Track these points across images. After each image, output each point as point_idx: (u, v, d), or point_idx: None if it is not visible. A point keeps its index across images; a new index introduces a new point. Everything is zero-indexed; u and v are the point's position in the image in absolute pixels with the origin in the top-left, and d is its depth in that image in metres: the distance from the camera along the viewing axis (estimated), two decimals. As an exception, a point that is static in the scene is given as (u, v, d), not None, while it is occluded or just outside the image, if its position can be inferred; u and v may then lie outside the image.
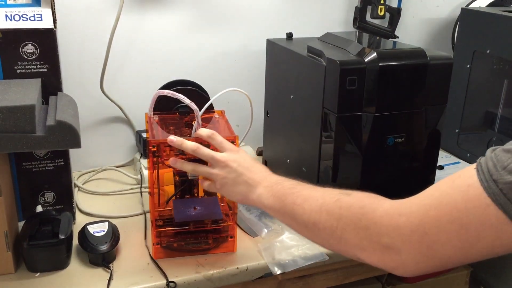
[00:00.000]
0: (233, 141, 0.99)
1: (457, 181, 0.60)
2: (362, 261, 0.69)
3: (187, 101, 0.97)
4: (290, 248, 1.07)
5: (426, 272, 0.64)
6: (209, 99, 1.05)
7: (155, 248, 1.01)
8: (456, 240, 0.59)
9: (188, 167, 0.94)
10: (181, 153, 0.97)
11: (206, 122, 1.07)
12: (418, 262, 0.63)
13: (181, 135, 1.05)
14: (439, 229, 0.59)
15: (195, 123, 1.00)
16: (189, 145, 0.92)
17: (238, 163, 0.90)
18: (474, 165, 0.60)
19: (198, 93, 1.14)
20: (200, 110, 0.99)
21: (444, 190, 0.61)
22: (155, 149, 0.97)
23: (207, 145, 0.95)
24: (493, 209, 0.55)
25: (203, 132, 0.94)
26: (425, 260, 0.62)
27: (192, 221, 1.02)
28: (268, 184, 0.87)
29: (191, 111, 1.10)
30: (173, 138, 0.92)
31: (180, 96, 0.97)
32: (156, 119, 1.08)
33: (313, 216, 0.75)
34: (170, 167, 0.99)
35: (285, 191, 0.83)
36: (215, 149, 0.94)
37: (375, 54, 1.00)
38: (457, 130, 1.55)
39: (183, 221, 1.02)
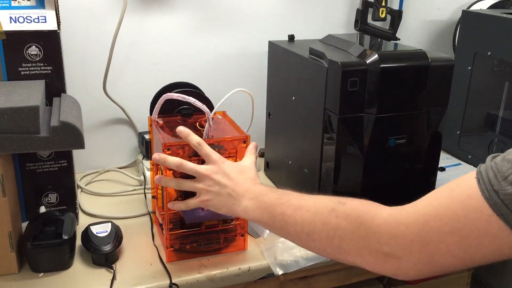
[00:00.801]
0: (244, 140, 1.00)
1: (456, 191, 0.60)
2: (362, 267, 0.70)
3: (198, 103, 0.98)
4: (292, 248, 1.07)
5: (427, 276, 0.64)
6: (208, 100, 1.05)
7: (168, 252, 1.02)
8: (457, 250, 0.59)
9: (171, 183, 0.93)
10: (194, 154, 0.97)
11: (209, 123, 1.07)
12: (418, 269, 0.63)
13: None
14: (440, 239, 0.59)
15: (206, 125, 1.01)
16: (172, 161, 0.89)
17: (222, 175, 0.87)
18: (474, 173, 0.59)
19: (198, 95, 1.14)
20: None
21: (443, 200, 0.61)
22: (169, 152, 0.96)
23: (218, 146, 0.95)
24: (495, 220, 0.55)
25: (193, 140, 0.91)
26: (426, 267, 0.62)
27: (203, 222, 1.03)
28: (253, 196, 0.84)
29: (194, 112, 1.11)
30: (156, 156, 0.91)
31: (191, 99, 0.98)
32: (161, 122, 1.08)
33: (307, 226, 0.74)
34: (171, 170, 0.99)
35: (272, 202, 0.81)
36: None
37: (376, 55, 1.01)
38: (458, 132, 1.55)
39: (194, 222, 1.02)
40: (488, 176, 0.57)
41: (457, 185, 0.61)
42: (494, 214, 0.55)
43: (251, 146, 0.98)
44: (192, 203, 0.91)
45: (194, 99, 0.97)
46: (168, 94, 1.00)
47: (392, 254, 0.63)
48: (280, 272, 1.02)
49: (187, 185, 0.91)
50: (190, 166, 0.89)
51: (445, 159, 1.54)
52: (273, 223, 0.81)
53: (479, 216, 0.56)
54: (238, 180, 0.87)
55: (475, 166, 1.46)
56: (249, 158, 0.95)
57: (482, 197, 0.56)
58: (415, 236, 0.61)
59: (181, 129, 0.91)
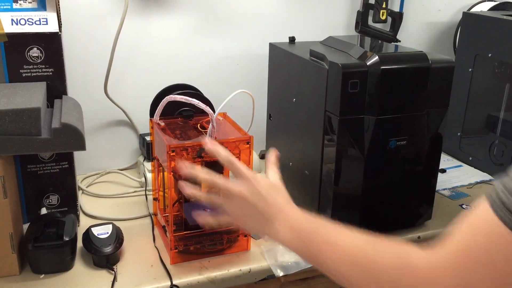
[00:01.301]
0: (248, 141, 1.00)
1: (476, 223, 0.59)
2: None
3: (202, 105, 0.98)
4: (292, 250, 1.07)
5: None
6: (209, 101, 1.05)
7: (172, 253, 1.02)
8: (489, 282, 0.58)
9: (203, 197, 0.86)
10: (198, 156, 0.97)
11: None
12: None
13: (188, 139, 1.06)
14: (473, 277, 0.59)
15: (210, 126, 1.01)
16: (224, 156, 0.83)
17: (255, 194, 0.81)
18: (487, 201, 0.58)
19: (199, 96, 1.15)
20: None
21: (469, 236, 0.60)
22: (173, 153, 0.96)
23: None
24: None
25: (223, 157, 0.84)
26: None
27: None
28: (286, 220, 0.80)
29: (195, 114, 1.11)
30: (210, 145, 0.83)
31: (194, 101, 0.98)
32: (162, 124, 1.08)
33: (343, 269, 0.72)
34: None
35: (307, 234, 0.77)
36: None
37: (377, 57, 1.01)
38: (459, 134, 1.55)
39: (197, 223, 1.02)
40: (501, 199, 0.56)
41: (477, 215, 0.60)
42: None
43: (273, 158, 0.89)
44: (224, 221, 0.86)
45: (197, 101, 0.97)
46: (171, 96, 1.00)
47: None
48: (281, 274, 1.02)
49: (219, 201, 0.84)
50: (223, 184, 0.82)
51: (446, 160, 1.54)
52: (305, 255, 0.79)
53: (503, 241, 0.55)
54: (270, 199, 0.82)
55: (476, 167, 1.48)
56: (275, 172, 0.87)
57: (501, 222, 0.55)
58: (449, 279, 0.60)
59: (209, 147, 0.84)
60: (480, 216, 0.59)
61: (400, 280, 0.66)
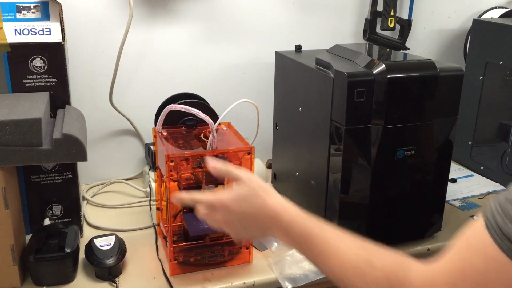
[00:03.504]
0: (249, 151, 0.98)
1: (472, 242, 0.59)
2: None
3: (202, 115, 0.97)
4: (301, 262, 1.05)
5: None
6: (213, 111, 1.04)
7: (172, 265, 1.00)
8: None
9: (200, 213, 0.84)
10: (198, 166, 0.96)
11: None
12: None
13: (191, 149, 1.04)
14: None
15: (210, 136, 1.00)
16: (186, 200, 0.85)
17: (247, 195, 0.80)
18: (482, 220, 0.58)
19: (202, 105, 1.13)
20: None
21: (464, 255, 0.59)
22: (173, 163, 0.95)
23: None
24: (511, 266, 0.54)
25: (222, 171, 0.84)
26: None
27: (207, 234, 1.01)
28: (279, 226, 0.78)
29: (198, 124, 1.10)
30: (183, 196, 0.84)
31: (194, 111, 0.97)
32: (165, 133, 1.07)
33: (342, 273, 0.72)
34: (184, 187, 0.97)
35: (304, 239, 0.76)
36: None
37: (383, 66, 0.99)
38: (470, 143, 1.52)
39: (198, 235, 1.01)
40: (497, 221, 0.55)
41: (472, 234, 0.59)
42: (510, 261, 0.53)
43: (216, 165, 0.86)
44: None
45: (197, 111, 0.96)
46: (172, 105, 0.99)
47: None
48: (289, 286, 1.00)
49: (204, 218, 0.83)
50: (234, 171, 0.82)
51: (456, 170, 1.51)
52: (304, 255, 0.78)
53: (498, 265, 0.55)
54: (266, 200, 0.79)
55: (488, 177, 1.45)
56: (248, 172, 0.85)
57: (495, 244, 0.54)
58: None
59: (209, 167, 0.84)
60: (476, 235, 0.58)
61: None
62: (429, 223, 1.14)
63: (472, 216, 1.26)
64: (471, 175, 1.49)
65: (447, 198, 1.17)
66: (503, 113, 1.46)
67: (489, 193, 1.38)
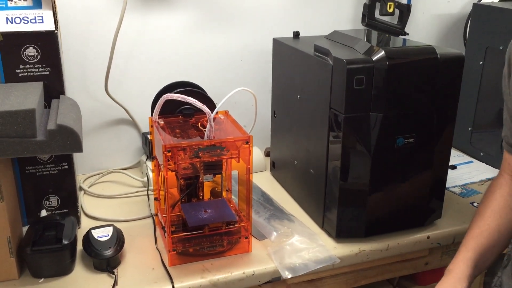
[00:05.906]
0: (247, 141, 0.97)
1: None
2: None
3: (199, 104, 0.95)
4: (300, 251, 1.05)
5: None
6: (210, 99, 1.03)
7: (171, 255, 1.00)
8: None
9: None
10: (195, 156, 0.95)
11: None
12: None
13: (188, 138, 1.03)
14: None
15: (207, 126, 0.98)
16: None
17: None
18: None
19: (199, 94, 1.12)
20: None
21: None
22: (170, 153, 0.94)
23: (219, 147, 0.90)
24: None
25: None
26: None
27: (206, 224, 1.00)
28: None
29: (195, 112, 1.09)
30: None
31: (191, 100, 0.95)
32: (162, 123, 1.06)
33: None
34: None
35: None
36: None
37: (383, 52, 0.97)
38: (470, 129, 1.51)
39: (197, 225, 1.00)
40: None
41: None
42: None
43: None
44: None
45: (194, 100, 0.94)
46: (168, 94, 0.97)
47: None
48: (289, 276, 1.00)
49: None
50: None
51: (456, 156, 1.50)
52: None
53: None
54: None
55: (487, 163, 1.44)
56: None
57: None
58: None
59: None
60: None
61: None
62: (429, 210, 1.13)
63: (472, 203, 1.25)
64: (471, 161, 1.49)
65: (447, 185, 1.16)
66: (503, 99, 1.45)
67: (489, 179, 1.37)
